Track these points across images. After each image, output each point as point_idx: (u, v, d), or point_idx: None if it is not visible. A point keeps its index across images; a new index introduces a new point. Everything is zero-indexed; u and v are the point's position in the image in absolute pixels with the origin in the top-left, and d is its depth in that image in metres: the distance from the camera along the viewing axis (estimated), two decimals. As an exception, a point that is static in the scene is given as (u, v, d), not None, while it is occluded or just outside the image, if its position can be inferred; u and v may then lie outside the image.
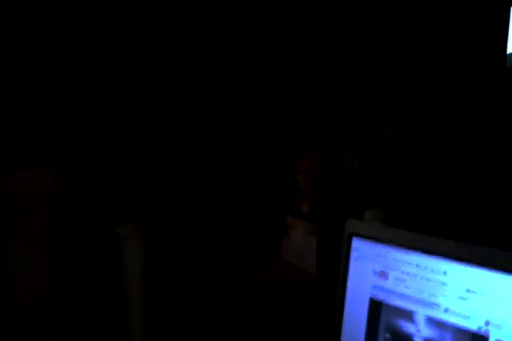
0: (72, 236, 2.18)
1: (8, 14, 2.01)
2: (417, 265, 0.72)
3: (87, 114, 2.24)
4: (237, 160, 2.17)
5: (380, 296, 0.75)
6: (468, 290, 0.66)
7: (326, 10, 2.05)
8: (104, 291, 2.32)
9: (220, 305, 1.20)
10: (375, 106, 1.50)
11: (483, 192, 1.35)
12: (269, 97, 2.28)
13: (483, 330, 0.64)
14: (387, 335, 0.74)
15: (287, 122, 2.06)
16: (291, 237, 1.44)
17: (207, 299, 1.81)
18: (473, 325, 0.65)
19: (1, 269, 2.24)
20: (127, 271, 2.26)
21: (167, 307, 2.34)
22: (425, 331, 0.70)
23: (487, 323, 0.63)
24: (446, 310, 0.68)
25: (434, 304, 0.69)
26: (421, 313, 0.70)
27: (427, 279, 0.71)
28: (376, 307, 0.76)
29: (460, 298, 0.67)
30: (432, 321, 0.69)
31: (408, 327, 0.72)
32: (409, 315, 0.72)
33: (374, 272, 0.77)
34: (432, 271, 0.70)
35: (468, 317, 0.65)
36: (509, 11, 1.79)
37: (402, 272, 0.73)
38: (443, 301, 0.68)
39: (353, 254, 0.79)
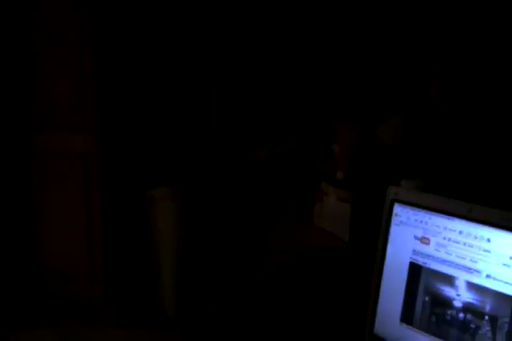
0: (108, 194, 2.24)
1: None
2: (460, 231, 0.72)
3: (124, 79, 2.26)
4: (272, 127, 2.18)
5: (421, 261, 0.76)
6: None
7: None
8: (137, 248, 2.40)
9: (250, 267, 1.23)
10: (421, 73, 1.48)
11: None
12: (311, 63, 2.26)
13: (525, 296, 0.65)
14: (426, 298, 0.75)
15: (327, 91, 2.05)
16: (324, 204, 1.46)
17: (237, 261, 1.85)
18: (515, 290, 0.66)
19: (40, 222, 2.33)
20: (159, 231, 2.33)
21: (197, 265, 2.41)
22: (465, 295, 0.71)
23: (530, 289, 0.64)
24: (488, 276, 0.69)
25: (476, 270, 0.70)
26: (462, 278, 0.71)
27: (470, 246, 0.71)
28: (416, 272, 0.77)
29: (503, 264, 0.67)
30: (472, 286, 0.70)
31: (448, 291, 0.73)
32: (449, 280, 0.73)
33: (415, 237, 0.77)
34: (476, 237, 0.71)
35: (510, 283, 0.66)
36: None
37: (445, 238, 0.74)
38: (485, 267, 0.69)
39: (394, 220, 0.80)
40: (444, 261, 0.74)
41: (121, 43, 2.23)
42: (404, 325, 0.78)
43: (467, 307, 0.71)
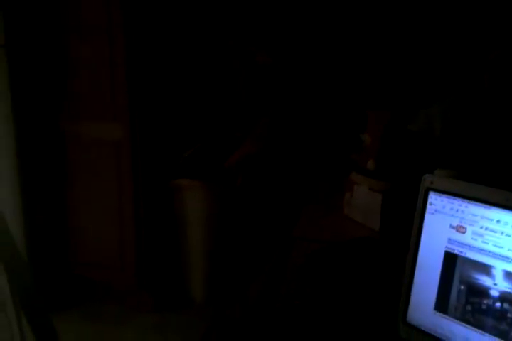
0: (139, 182, 2.28)
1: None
2: (497, 221, 0.71)
3: (154, 70, 2.29)
4: (301, 116, 2.17)
5: (456, 250, 0.76)
6: (551, 246, 0.66)
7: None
8: (167, 236, 2.44)
9: (278, 255, 1.23)
10: (474, 62, 1.44)
11: None
12: (343, 52, 2.24)
13: None
14: (462, 287, 0.75)
15: (358, 79, 2.03)
16: (354, 194, 1.45)
17: (266, 249, 1.86)
18: (554, 280, 0.65)
19: (73, 210, 2.39)
20: (188, 219, 2.37)
21: (226, 253, 2.44)
22: (502, 285, 0.70)
23: None
24: (526, 265, 0.68)
25: (514, 259, 0.69)
26: (499, 268, 0.71)
27: (508, 235, 0.70)
28: (451, 261, 0.76)
29: (542, 253, 0.66)
30: (510, 275, 0.69)
31: (484, 281, 0.72)
32: (486, 269, 0.72)
33: (451, 226, 0.77)
34: (513, 226, 0.70)
35: (549, 272, 0.65)
36: None
37: (481, 227, 0.73)
38: (523, 256, 0.69)
39: (429, 209, 0.80)
40: (480, 250, 0.73)
41: (151, 34, 2.25)
42: (438, 314, 0.78)
43: (504, 297, 0.70)
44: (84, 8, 2.16)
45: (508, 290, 0.70)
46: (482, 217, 0.73)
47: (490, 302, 0.71)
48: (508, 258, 0.70)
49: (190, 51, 2.46)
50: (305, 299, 0.99)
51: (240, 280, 2.01)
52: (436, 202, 0.79)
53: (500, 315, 0.70)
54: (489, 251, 0.72)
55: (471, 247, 0.74)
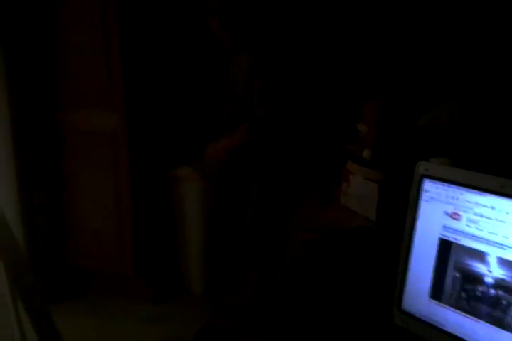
0: (136, 172, 2.27)
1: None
2: (492, 207, 0.71)
3: (150, 59, 2.27)
4: (298, 106, 2.16)
5: (451, 237, 0.76)
6: (546, 232, 0.65)
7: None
8: (165, 226, 2.43)
9: (275, 245, 1.23)
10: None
11: None
12: (341, 41, 2.22)
13: (559, 272, 0.63)
14: (457, 275, 0.75)
15: (355, 68, 2.01)
16: (350, 183, 1.45)
17: (263, 239, 1.86)
18: (549, 266, 0.64)
19: (70, 200, 2.38)
20: (186, 209, 2.36)
21: (224, 243, 2.44)
22: (497, 271, 0.70)
23: None
24: (520, 252, 0.68)
25: (508, 246, 0.69)
26: (493, 254, 0.70)
27: (502, 221, 0.70)
28: (446, 248, 0.76)
29: (537, 239, 0.66)
30: (504, 262, 0.69)
31: (479, 268, 0.72)
32: (480, 256, 0.72)
33: (445, 213, 0.76)
34: (508, 213, 0.70)
35: (544, 258, 0.65)
36: None
37: (476, 214, 0.73)
38: (518, 243, 0.68)
39: (424, 196, 0.79)
40: (475, 237, 0.73)
41: (147, 23, 2.23)
42: (433, 301, 0.78)
43: (499, 284, 0.70)
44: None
45: (503, 277, 0.69)
46: (477, 204, 0.73)
47: (484, 289, 0.71)
48: (502, 245, 0.70)
49: (185, 39, 2.44)
50: (301, 287, 0.99)
51: (238, 271, 2.01)
52: (430, 189, 0.78)
53: (495, 302, 0.70)
54: (484, 238, 0.72)
55: (465, 234, 0.74)
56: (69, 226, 2.45)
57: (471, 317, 0.73)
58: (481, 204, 0.73)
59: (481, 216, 0.72)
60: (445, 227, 0.77)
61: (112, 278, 2.50)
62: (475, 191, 0.73)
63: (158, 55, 2.31)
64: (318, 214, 1.46)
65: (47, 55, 2.25)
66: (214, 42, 2.17)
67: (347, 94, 2.13)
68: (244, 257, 2.17)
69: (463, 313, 0.74)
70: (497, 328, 0.70)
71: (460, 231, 0.75)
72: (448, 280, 0.76)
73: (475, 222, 0.73)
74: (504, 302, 0.69)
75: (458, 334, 0.75)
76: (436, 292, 0.77)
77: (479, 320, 0.72)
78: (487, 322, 0.71)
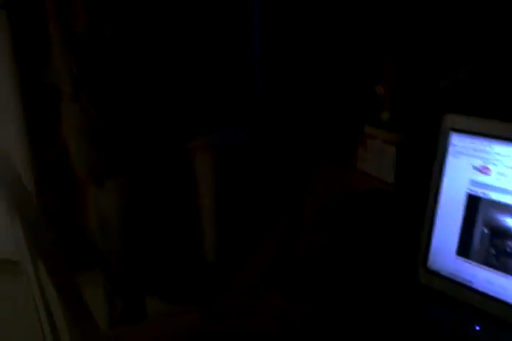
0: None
1: None
2: (524, 158, 0.68)
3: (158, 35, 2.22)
4: (314, 69, 2.10)
5: (479, 192, 0.73)
6: None
7: None
8: (177, 197, 2.42)
9: (292, 211, 1.21)
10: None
11: None
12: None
13: None
14: (485, 230, 0.72)
15: (373, 30, 1.95)
16: (368, 147, 1.41)
17: (279, 205, 1.85)
18: None
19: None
20: (199, 179, 2.35)
21: (238, 210, 2.43)
22: (529, 225, 0.67)
23: None
24: (555, 204, 0.65)
25: (541, 198, 0.66)
26: (525, 207, 0.68)
27: (535, 173, 0.67)
28: (474, 203, 0.73)
29: None
30: (537, 215, 0.67)
31: (509, 222, 0.69)
32: (510, 210, 0.69)
33: (473, 168, 0.74)
34: (541, 164, 0.67)
35: None
36: None
37: (506, 166, 0.70)
38: (552, 195, 0.65)
39: (451, 150, 0.76)
40: (505, 191, 0.70)
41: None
42: (460, 258, 0.75)
43: (530, 238, 0.67)
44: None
45: (535, 230, 0.67)
46: (507, 157, 0.70)
47: (515, 244, 0.69)
48: (535, 197, 0.67)
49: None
50: (322, 249, 0.98)
51: (253, 238, 2.00)
52: (458, 143, 0.75)
53: (526, 257, 0.68)
54: (515, 191, 0.69)
55: (495, 188, 0.71)
56: (79, 199, 2.44)
57: (500, 273, 0.71)
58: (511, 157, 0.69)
59: (512, 168, 0.69)
60: (473, 182, 0.74)
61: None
62: (505, 142, 0.70)
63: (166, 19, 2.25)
64: (335, 179, 1.44)
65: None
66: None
67: (365, 55, 2.06)
68: (261, 223, 2.16)
69: (492, 269, 0.72)
70: (528, 283, 0.68)
71: (489, 186, 0.72)
72: (476, 237, 0.73)
73: (505, 175, 0.70)
74: (536, 257, 0.67)
75: (487, 291, 0.73)
76: (464, 249, 0.75)
77: (509, 276, 0.70)
78: (517, 277, 0.69)
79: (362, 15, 2.13)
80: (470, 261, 0.74)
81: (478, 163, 0.73)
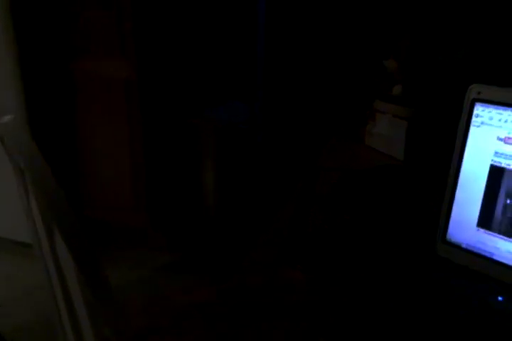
0: (149, 121, 2.22)
1: None
2: (552, 128, 0.67)
3: (163, 10, 2.17)
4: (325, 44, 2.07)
5: (503, 163, 0.72)
6: None
7: None
8: (179, 174, 2.41)
9: (302, 186, 1.20)
10: None
11: None
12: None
13: None
14: (508, 201, 0.71)
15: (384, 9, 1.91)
16: (377, 122, 1.40)
17: (288, 180, 1.84)
18: None
19: (83, 150, 2.36)
20: (201, 156, 2.34)
21: (243, 188, 2.42)
22: (556, 195, 0.67)
23: None
24: None
25: None
26: (552, 178, 0.67)
27: None
28: (497, 174, 0.73)
29: None
30: None
31: (535, 193, 0.69)
32: (537, 181, 0.69)
33: (498, 138, 0.72)
34: None
35: None
36: None
37: (533, 137, 0.69)
38: None
39: (475, 121, 0.75)
40: (531, 162, 0.69)
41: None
42: (481, 230, 0.75)
43: (556, 209, 0.67)
44: None
45: (562, 200, 0.66)
46: (534, 127, 0.69)
47: (539, 215, 0.68)
48: (562, 167, 0.66)
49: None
50: (337, 223, 0.97)
51: (259, 216, 2.00)
52: (482, 113, 0.74)
53: (551, 228, 0.68)
54: (542, 162, 0.68)
55: (520, 159, 0.70)
56: (82, 178, 2.42)
57: (523, 244, 0.71)
58: (538, 127, 0.68)
59: (539, 139, 0.68)
60: (497, 153, 0.73)
61: (126, 227, 2.50)
62: (532, 113, 0.69)
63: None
64: (344, 154, 1.42)
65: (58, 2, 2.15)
66: None
67: (373, 29, 2.03)
68: (269, 200, 2.15)
69: (514, 241, 0.72)
70: (552, 254, 0.68)
71: (514, 156, 0.71)
72: (498, 208, 0.73)
73: (531, 146, 0.69)
74: (560, 228, 0.67)
75: (509, 262, 0.72)
76: (486, 220, 0.74)
77: (532, 248, 0.70)
78: (541, 249, 0.69)
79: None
80: (491, 233, 0.74)
81: (503, 133, 0.72)
